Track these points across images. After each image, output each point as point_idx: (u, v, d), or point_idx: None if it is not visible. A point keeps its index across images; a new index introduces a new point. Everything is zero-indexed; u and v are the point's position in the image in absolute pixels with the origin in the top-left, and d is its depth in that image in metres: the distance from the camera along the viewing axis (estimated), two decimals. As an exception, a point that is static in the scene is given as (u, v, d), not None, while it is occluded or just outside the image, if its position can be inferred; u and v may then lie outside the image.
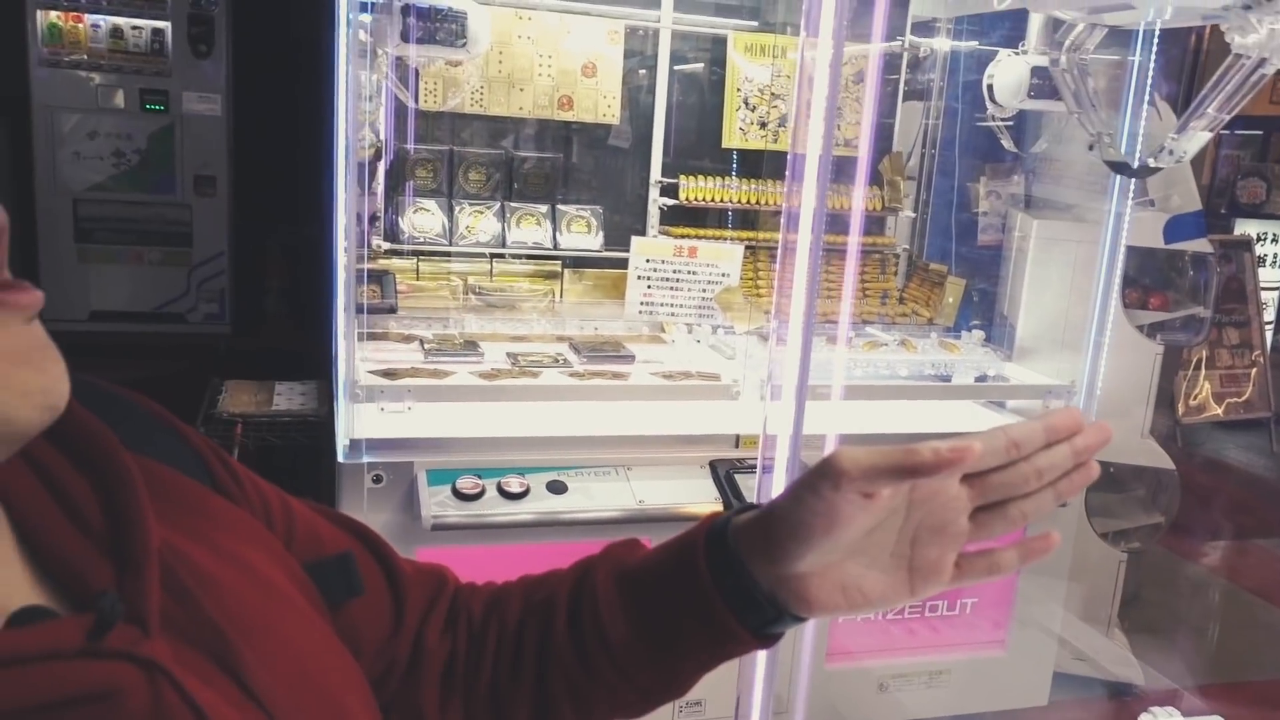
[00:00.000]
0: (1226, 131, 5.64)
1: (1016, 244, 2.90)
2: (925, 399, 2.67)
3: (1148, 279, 2.81)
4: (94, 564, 0.49)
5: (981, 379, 2.75)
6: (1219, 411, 5.04)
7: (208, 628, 0.52)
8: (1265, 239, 5.45)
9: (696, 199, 2.87)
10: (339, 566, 0.67)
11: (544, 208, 2.85)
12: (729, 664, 0.70)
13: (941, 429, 2.56)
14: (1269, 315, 5.24)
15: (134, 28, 3.60)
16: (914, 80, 3.07)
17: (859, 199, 2.31)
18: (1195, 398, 5.06)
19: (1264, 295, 5.15)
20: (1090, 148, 2.28)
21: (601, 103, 2.81)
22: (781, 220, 1.43)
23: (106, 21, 3.58)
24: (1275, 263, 5.43)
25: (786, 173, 1.10)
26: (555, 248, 2.84)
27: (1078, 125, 2.62)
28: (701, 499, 2.14)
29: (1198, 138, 2.01)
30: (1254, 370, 5.07)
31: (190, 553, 0.54)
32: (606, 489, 2.11)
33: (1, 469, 0.49)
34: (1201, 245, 2.74)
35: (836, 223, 3.14)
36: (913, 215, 3.14)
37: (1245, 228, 5.41)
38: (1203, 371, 4.97)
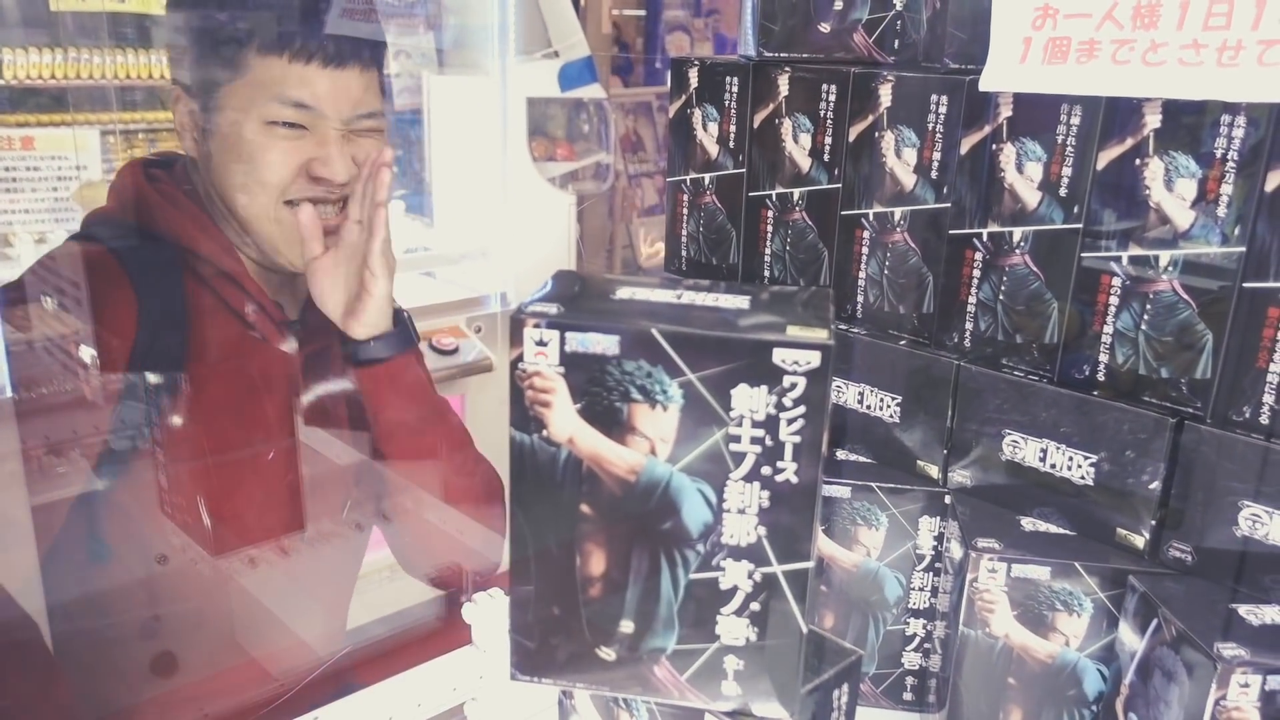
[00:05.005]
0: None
1: (426, 106, 2.74)
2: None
3: (551, 129, 2.80)
4: None
5: (412, 251, 2.60)
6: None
7: None
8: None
9: (27, 78, 2.33)
10: None
11: None
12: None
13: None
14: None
15: None
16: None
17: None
18: (651, 242, 5.41)
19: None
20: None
21: None
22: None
23: None
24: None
25: None
26: None
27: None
28: None
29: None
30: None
31: None
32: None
33: None
34: (595, 91, 2.75)
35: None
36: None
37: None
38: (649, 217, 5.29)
